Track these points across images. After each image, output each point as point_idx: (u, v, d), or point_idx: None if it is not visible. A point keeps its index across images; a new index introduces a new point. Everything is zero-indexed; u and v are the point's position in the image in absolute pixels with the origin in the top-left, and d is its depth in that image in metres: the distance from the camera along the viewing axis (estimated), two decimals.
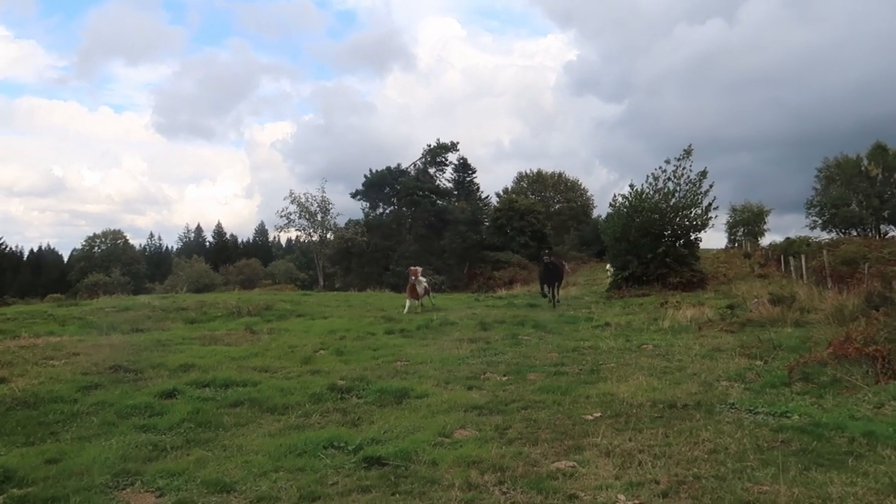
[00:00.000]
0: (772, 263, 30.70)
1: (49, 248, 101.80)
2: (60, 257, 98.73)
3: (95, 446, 5.72)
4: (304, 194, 54.59)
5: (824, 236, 41.35)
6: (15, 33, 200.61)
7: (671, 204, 25.28)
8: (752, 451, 5.25)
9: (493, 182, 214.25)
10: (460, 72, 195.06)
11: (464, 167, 63.70)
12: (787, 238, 36.76)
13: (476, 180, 64.61)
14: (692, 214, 25.37)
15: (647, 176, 25.99)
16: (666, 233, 25.17)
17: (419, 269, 19.47)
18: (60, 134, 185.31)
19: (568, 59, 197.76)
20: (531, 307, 19.85)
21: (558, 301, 20.33)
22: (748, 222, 55.14)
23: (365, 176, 60.15)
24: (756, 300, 15.48)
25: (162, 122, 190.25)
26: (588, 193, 71.00)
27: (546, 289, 20.76)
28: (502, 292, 32.61)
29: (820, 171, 53.63)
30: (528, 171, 71.07)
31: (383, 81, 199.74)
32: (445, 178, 63.13)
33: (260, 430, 6.43)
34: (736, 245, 51.32)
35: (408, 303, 18.37)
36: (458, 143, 62.06)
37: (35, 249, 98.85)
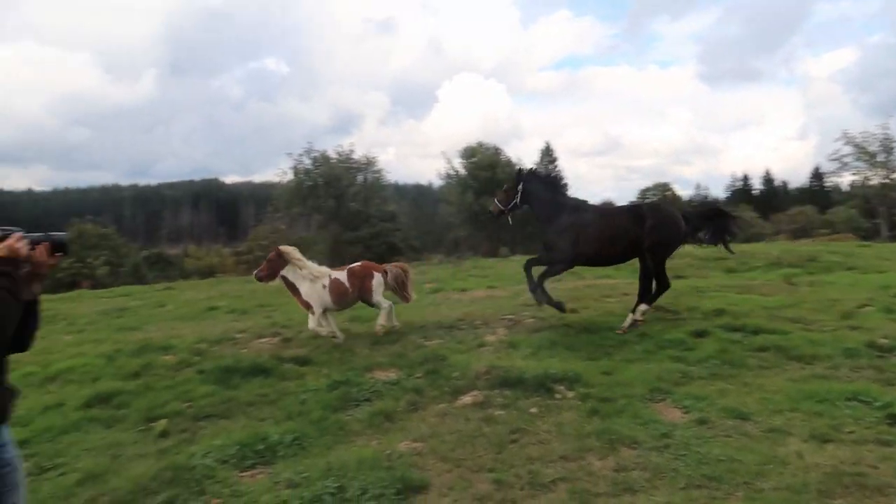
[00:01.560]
0: None
1: (609, 203, 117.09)
2: None
3: (637, 367, 7.06)
4: (861, 133, 47.90)
5: None
6: (574, 13, 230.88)
7: None
8: None
9: None
10: None
11: None
12: None
13: None
14: None
15: None
16: None
17: (290, 252, 9.18)
18: (613, 96, 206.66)
19: None
20: None
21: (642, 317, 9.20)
22: None
23: None
24: None
25: (706, 71, 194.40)
26: None
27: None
28: None
29: None
30: None
31: None
32: None
33: (782, 375, 6.72)
34: None
35: (312, 318, 9.05)
36: None
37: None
